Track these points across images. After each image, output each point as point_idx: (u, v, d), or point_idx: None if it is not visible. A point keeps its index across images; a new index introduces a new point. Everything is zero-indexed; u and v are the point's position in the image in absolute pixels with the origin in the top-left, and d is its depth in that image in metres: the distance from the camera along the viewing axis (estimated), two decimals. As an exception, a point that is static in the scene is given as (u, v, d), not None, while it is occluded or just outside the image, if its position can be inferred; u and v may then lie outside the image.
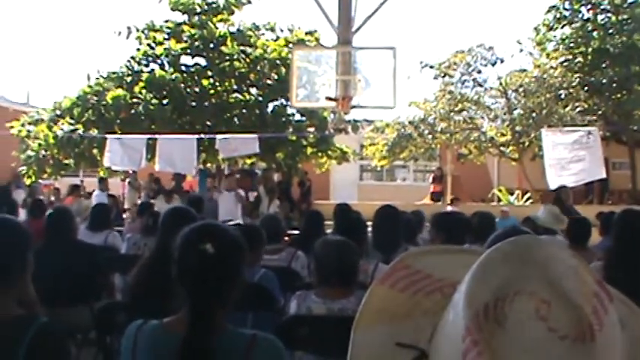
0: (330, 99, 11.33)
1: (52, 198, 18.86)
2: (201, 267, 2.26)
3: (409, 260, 1.14)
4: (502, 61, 23.13)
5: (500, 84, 22.96)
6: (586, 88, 22.54)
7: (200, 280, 2.27)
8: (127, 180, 20.21)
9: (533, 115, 21.93)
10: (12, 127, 19.97)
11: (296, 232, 7.51)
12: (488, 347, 0.90)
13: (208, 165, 21.32)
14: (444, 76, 23.59)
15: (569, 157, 12.93)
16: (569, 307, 0.94)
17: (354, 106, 11.78)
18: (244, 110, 19.50)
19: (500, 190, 24.31)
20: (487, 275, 0.96)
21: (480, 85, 23.45)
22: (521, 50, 24.07)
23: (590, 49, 23.02)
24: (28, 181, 19.78)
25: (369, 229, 6.06)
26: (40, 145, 19.12)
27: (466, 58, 23.16)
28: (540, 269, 0.97)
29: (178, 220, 3.51)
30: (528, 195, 22.73)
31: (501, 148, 23.63)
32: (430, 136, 23.29)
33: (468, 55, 23.17)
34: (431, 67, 23.54)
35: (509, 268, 0.97)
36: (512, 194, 23.49)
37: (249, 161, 21.18)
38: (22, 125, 20.10)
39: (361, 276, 4.16)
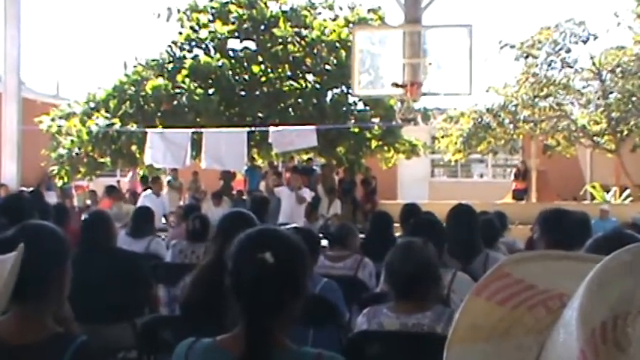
0: (396, 85, 11.30)
1: (88, 201, 19.14)
2: (260, 278, 2.25)
3: (509, 268, 1.11)
4: (595, 38, 22.70)
5: (594, 64, 22.56)
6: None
7: (258, 293, 2.26)
8: (167, 180, 20.46)
9: (633, 99, 21.49)
10: (41, 122, 20.16)
11: (361, 235, 7.48)
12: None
13: (260, 162, 21.46)
14: (527, 57, 23.27)
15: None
16: None
17: (424, 93, 11.74)
18: (300, 100, 19.58)
19: (593, 187, 23.86)
20: (604, 289, 0.92)
21: (570, 66, 23.07)
22: (619, 24, 23.52)
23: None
24: (59, 183, 20.07)
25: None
26: (72, 141, 19.39)
27: (553, 36, 22.81)
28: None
29: (240, 226, 3.53)
30: (627, 192, 22.27)
31: (595, 139, 23.21)
32: (511, 126, 23.04)
33: (555, 32, 22.81)
34: (512, 46, 23.25)
35: (630, 281, 0.93)
36: (608, 191, 23.04)
37: (305, 157, 21.23)
38: (52, 120, 20.38)
39: (436, 287, 4.12)
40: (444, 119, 24.22)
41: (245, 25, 20.15)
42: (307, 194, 14.37)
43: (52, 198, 18.14)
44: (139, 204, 14.60)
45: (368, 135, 20.14)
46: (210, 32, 20.24)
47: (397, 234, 7.66)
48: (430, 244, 3.99)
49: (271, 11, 20.39)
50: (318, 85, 19.92)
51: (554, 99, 23.06)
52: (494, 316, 1.07)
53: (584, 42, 22.75)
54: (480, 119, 23.18)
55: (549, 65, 23.12)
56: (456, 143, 23.88)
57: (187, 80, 18.79)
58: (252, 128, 16.80)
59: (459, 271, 4.89)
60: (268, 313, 2.27)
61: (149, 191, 16.55)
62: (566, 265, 1.11)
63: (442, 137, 24.59)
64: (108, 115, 18.99)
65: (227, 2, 20.57)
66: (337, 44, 19.81)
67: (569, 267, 1.09)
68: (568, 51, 22.89)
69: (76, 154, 19.50)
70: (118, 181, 22.06)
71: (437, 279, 3.94)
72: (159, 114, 18.50)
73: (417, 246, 3.95)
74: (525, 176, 23.22)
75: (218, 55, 19.77)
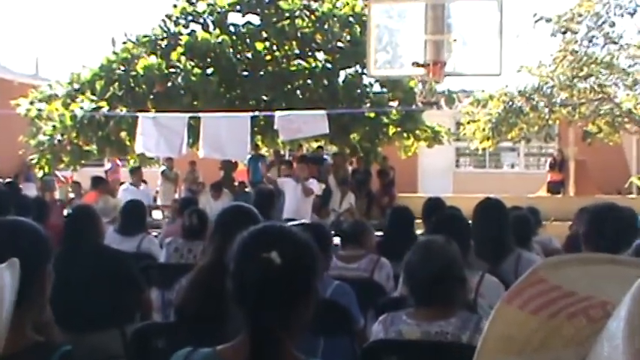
0: (417, 65, 11.28)
1: (71, 194, 19.18)
2: (265, 281, 2.25)
3: (545, 272, 1.11)
4: (644, 10, 22.58)
5: (642, 39, 22.45)
6: None
7: (263, 298, 2.26)
8: (161, 170, 20.47)
9: (687, 80, 21.40)
10: (18, 105, 20.09)
11: (378, 233, 7.48)
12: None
13: (264, 150, 21.47)
14: (565, 32, 23.15)
15: None
16: None
17: (448, 74, 11.72)
18: (309, 81, 19.56)
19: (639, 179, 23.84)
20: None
21: (614, 42, 22.95)
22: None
23: None
24: (39, 173, 20.10)
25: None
26: (54, 127, 19.35)
27: (595, 8, 22.66)
28: None
29: (241, 221, 3.52)
30: (680, 184, 22.24)
31: (642, 124, 23.14)
32: (547, 110, 22.92)
33: (598, 3, 22.67)
34: (548, 20, 23.11)
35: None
36: (656, 184, 23.03)
37: (315, 144, 21.24)
38: (31, 103, 20.30)
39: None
40: (471, 103, 24.09)
41: (248, -3, 20.17)
42: (315, 186, 14.31)
43: (31, 190, 18.24)
44: (118, 198, 14.67)
45: (385, 120, 20.11)
46: (208, 5, 20.26)
47: (418, 231, 7.66)
48: (454, 243, 3.99)
49: (277, -19, 20.36)
50: (329, 65, 19.89)
51: (596, 79, 22.93)
52: (529, 327, 1.07)
53: (631, 14, 22.59)
54: (510, 103, 23.06)
55: (590, 41, 22.98)
56: (483, 129, 23.73)
57: (183, 59, 18.78)
58: (256, 113, 16.81)
59: (487, 273, 4.89)
60: (274, 320, 2.27)
61: (126, 184, 16.62)
62: (611, 270, 1.11)
63: (468, 123, 24.43)
64: (94, 97, 18.90)
65: (228, -29, 20.57)
66: (351, 19, 19.81)
67: (614, 272, 1.09)
68: (612, 25, 22.74)
69: (59, 141, 19.47)
70: (106, 172, 22.04)
71: (462, 282, 3.93)
72: (151, 96, 18.54)
73: (440, 245, 3.95)
74: (562, 167, 23.17)
75: (217, 31, 19.73)
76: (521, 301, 1.09)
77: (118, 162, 22.34)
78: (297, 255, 2.32)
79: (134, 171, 17.91)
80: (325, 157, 21.01)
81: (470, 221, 5.77)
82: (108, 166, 22.24)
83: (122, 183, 18.66)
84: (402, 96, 19.95)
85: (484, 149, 25.45)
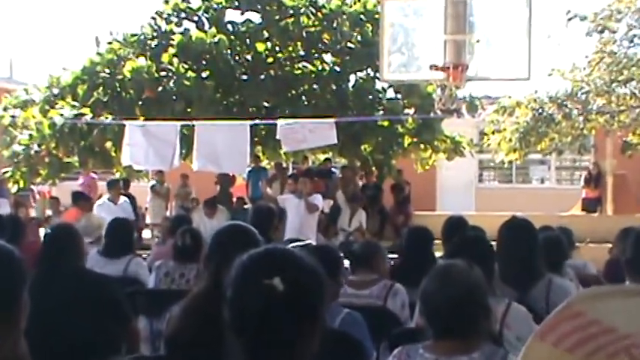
0: (436, 68, 11.28)
1: (48, 211, 19.16)
2: (266, 310, 2.25)
3: (581, 305, 1.11)
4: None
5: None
6: None
7: (264, 329, 2.26)
8: (150, 185, 20.47)
9: None
10: (-11, 111, 20.10)
11: (392, 256, 7.48)
12: None
13: (265, 163, 21.49)
14: (602, 32, 23.15)
15: None
16: None
17: (470, 78, 11.71)
18: (315, 85, 19.61)
19: (687, 196, 23.81)
20: None
21: (658, 43, 22.96)
22: None
23: None
24: (13, 188, 20.06)
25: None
26: (30, 136, 19.33)
27: (636, 4, 22.67)
28: None
29: (240, 243, 3.51)
30: None
31: (689, 135, 23.12)
32: (581, 119, 22.92)
33: (639, -1, 22.72)
34: (582, 18, 23.12)
35: None
36: None
37: (322, 156, 21.26)
38: (5, 109, 20.45)
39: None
40: (496, 110, 24.05)
41: (247, -7, 20.22)
42: (319, 201, 14.33)
43: (3, 207, 18.20)
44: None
45: (400, 130, 20.12)
46: (204, 1, 20.30)
47: (437, 254, 7.65)
48: (477, 268, 3.97)
49: (280, -25, 20.39)
50: (338, 68, 19.93)
51: (637, 84, 22.95)
52: (563, 366, 1.06)
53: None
54: (540, 110, 23.05)
55: (631, 42, 22.99)
56: (510, 140, 23.70)
57: (175, 61, 18.80)
58: (257, 121, 16.80)
59: (514, 301, 4.88)
60: (277, 354, 2.28)
61: (103, 199, 16.50)
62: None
63: (493, 133, 24.42)
64: (75, 103, 18.88)
65: (225, -36, 20.60)
66: (362, 17, 19.85)
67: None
68: (656, 23, 22.79)
69: (35, 151, 19.40)
70: (96, 182, 22.02)
71: (486, 311, 3.91)
72: (140, 103, 18.53)
73: (461, 270, 3.94)
74: (598, 182, 23.15)
75: (214, 30, 19.79)
76: (555, 338, 1.09)
77: (94, 175, 22.23)
78: (302, 281, 2.32)
79: (112, 185, 17.44)
80: (333, 170, 21.03)
81: (494, 243, 5.76)
82: (80, 181, 21.93)
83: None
84: (418, 103, 19.95)
85: (510, 162, 25.44)
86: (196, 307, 3.95)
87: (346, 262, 6.67)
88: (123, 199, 16.60)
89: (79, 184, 21.37)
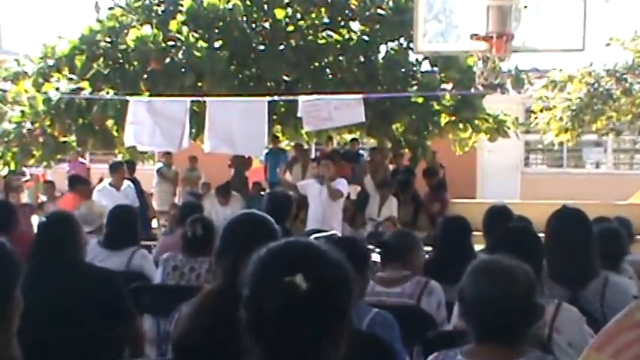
0: (477, 38, 11.25)
1: (43, 196, 19.18)
2: (288, 311, 2.26)
3: (643, 313, 1.10)
4: None
5: None
6: None
7: (285, 332, 2.27)
8: (156, 168, 20.48)
9: None
10: (-26, 85, 20.13)
11: (426, 248, 7.46)
12: None
13: (285, 144, 21.47)
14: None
15: None
16: None
17: (516, 49, 11.67)
18: (341, 57, 19.53)
19: None
20: None
21: None
22: None
23: None
24: (3, 171, 20.08)
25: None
26: (22, 113, 19.31)
27: None
28: None
29: (257, 235, 3.50)
30: None
31: None
32: (644, 95, 22.82)
33: None
34: (645, -20, 23.06)
35: None
36: None
37: (349, 137, 21.22)
38: (-6, 83, 20.40)
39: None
40: (545, 85, 24.00)
41: (266, -48, 20.16)
42: (344, 187, 14.17)
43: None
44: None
45: (436, 107, 20.03)
46: (216, -38, 20.27)
47: (477, 247, 7.63)
48: (524, 264, 3.96)
49: None
50: (366, 37, 19.83)
51: None
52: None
53: None
54: (596, 85, 22.97)
55: None
56: (561, 119, 23.66)
57: (185, 29, 18.73)
58: (275, 97, 16.74)
59: (564, 302, 4.86)
60: (298, 358, 2.28)
61: (105, 183, 16.38)
62: None
63: (541, 111, 24.38)
64: (73, 76, 18.81)
65: None
66: (394, -20, 19.78)
67: None
68: None
69: (28, 130, 19.37)
70: (88, 169, 22.06)
71: (533, 313, 3.91)
72: (145, 76, 18.51)
73: (505, 266, 3.92)
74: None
75: (227, -6, 19.76)
76: (614, 349, 1.08)
77: (83, 160, 22.18)
78: (327, 278, 2.33)
79: (115, 168, 17.37)
80: (361, 152, 21.00)
81: (542, 235, 5.73)
82: (68, 165, 22.08)
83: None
84: (457, 77, 19.82)
85: (561, 144, 25.37)
86: (209, 306, 3.94)
87: (375, 256, 6.66)
88: (126, 183, 16.55)
89: (67, 172, 21.44)
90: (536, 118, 24.69)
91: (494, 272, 3.88)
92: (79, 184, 15.86)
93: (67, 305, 5.68)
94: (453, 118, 20.23)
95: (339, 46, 19.52)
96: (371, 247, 6.35)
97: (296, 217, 14.03)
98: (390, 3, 19.72)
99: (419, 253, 6.64)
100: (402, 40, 19.37)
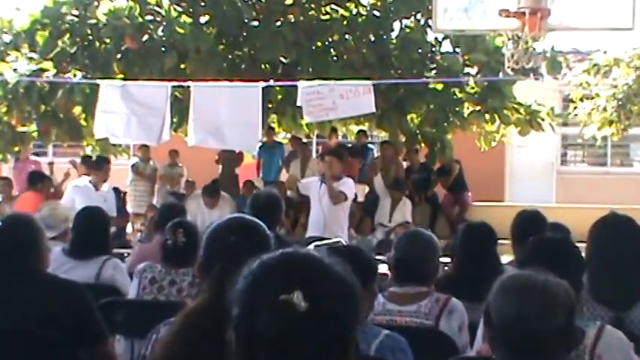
0: (507, 14, 11.26)
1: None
2: (284, 334, 2.26)
3: None
4: None
5: None
6: None
7: (280, 357, 2.26)
8: (131, 164, 20.50)
9: None
10: None
11: (445, 260, 7.45)
12: None
13: (282, 136, 21.50)
14: None
15: None
16: None
17: (552, 28, 11.69)
18: (348, 36, 19.55)
19: None
20: None
21: None
22: None
23: None
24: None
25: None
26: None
27: None
28: None
29: (248, 244, 3.49)
30: None
31: None
32: None
33: None
34: None
35: None
36: None
37: (356, 129, 21.26)
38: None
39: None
40: (586, 70, 24.00)
41: None
42: (349, 187, 14.02)
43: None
44: (63, 200, 14.46)
45: (458, 94, 20.07)
46: None
47: (504, 259, 7.62)
48: (562, 281, 3.94)
49: None
50: (377, 13, 19.85)
51: None
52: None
53: None
54: (647, 71, 22.99)
55: None
56: (605, 109, 23.64)
57: (166, 2, 18.78)
58: (271, 82, 16.76)
59: (608, 324, 4.85)
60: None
61: (84, 180, 16.26)
62: None
63: (582, 100, 24.38)
64: (34, 55, 18.78)
65: None
66: (410, -53, 19.80)
67: None
68: None
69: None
70: (51, 163, 22.00)
71: (572, 338, 3.90)
72: (119, 56, 18.56)
73: (541, 282, 3.91)
74: None
75: (216, -37, 19.79)
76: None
77: (35, 158, 22.13)
78: (329, 296, 2.32)
79: (99, 165, 17.18)
80: (370, 146, 21.03)
81: (583, 246, 5.71)
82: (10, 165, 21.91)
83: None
84: (483, 60, 19.82)
85: (605, 138, 25.36)
86: (192, 326, 3.93)
87: (385, 269, 6.65)
88: (108, 186, 16.48)
89: (13, 169, 21.46)
90: (575, 108, 24.65)
91: (528, 289, 3.84)
92: (40, 180, 15.83)
93: (25, 323, 5.66)
94: (478, 108, 20.21)
95: (345, 22, 19.55)
96: (381, 257, 6.34)
97: (296, 222, 14.05)
98: (405, -26, 19.75)
99: (435, 266, 6.58)
100: (419, 16, 19.38)
